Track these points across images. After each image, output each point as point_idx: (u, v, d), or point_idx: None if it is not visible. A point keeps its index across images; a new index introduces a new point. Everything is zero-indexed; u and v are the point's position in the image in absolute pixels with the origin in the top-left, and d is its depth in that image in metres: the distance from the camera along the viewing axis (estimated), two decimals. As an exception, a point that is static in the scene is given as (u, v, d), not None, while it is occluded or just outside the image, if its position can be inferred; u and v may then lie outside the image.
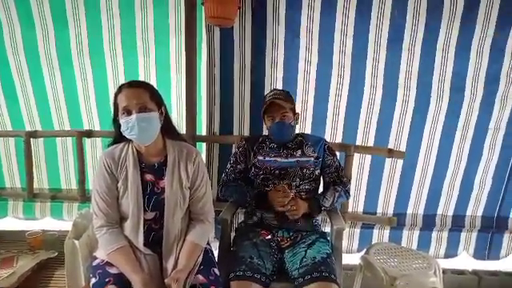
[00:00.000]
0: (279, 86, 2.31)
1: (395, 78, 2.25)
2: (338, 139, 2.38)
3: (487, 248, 2.53)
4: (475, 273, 2.51)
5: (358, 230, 2.54)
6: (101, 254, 1.50)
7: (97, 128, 2.50)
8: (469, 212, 2.47)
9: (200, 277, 1.44)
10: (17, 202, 2.72)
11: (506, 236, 2.51)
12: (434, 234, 2.52)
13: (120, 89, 1.49)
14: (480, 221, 2.49)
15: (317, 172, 1.91)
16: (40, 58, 2.37)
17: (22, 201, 2.71)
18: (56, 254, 1.89)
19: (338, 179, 1.95)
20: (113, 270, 1.41)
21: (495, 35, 2.13)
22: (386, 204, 2.49)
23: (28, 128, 2.55)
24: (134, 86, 1.49)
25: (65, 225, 2.60)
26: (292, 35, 2.23)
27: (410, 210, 2.49)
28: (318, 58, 2.25)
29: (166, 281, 1.34)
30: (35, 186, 2.60)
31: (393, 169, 2.41)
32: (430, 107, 2.29)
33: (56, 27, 2.30)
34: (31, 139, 2.50)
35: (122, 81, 2.35)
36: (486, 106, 2.27)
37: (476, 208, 2.47)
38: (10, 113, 2.54)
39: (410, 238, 2.53)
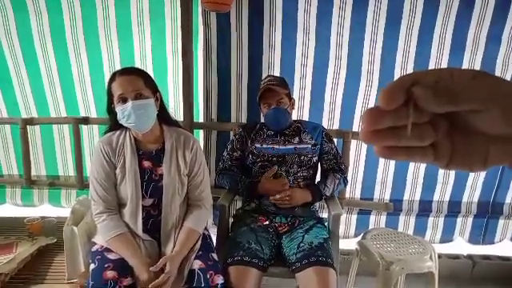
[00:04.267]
0: (277, 73, 2.30)
1: (392, 65, 2.24)
2: (336, 126, 2.38)
3: (482, 233, 2.56)
4: (470, 257, 2.55)
5: (355, 216, 2.57)
6: (99, 240, 1.51)
7: (93, 114, 2.49)
8: (465, 198, 2.49)
9: (198, 262, 1.46)
10: (15, 188, 2.72)
11: (501, 221, 2.54)
12: (431, 220, 2.54)
13: (113, 77, 1.47)
14: (476, 206, 2.51)
15: (314, 159, 1.91)
16: (34, 43, 2.33)
17: (19, 188, 2.71)
18: (55, 240, 1.90)
19: (337, 166, 1.95)
20: (112, 256, 1.43)
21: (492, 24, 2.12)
22: (382, 190, 2.50)
23: (24, 115, 2.53)
24: (128, 73, 1.48)
25: (63, 211, 2.61)
26: (289, 21, 2.20)
27: (406, 196, 2.50)
28: (316, 44, 2.23)
29: (151, 269, 1.36)
30: (33, 173, 2.59)
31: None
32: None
33: (50, 12, 2.26)
34: (28, 126, 2.49)
35: (118, 67, 2.33)
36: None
37: (472, 194, 2.49)
38: (6, 100, 2.52)
39: (407, 223, 2.55)
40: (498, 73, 2.22)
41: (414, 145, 0.33)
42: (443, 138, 0.34)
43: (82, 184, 2.53)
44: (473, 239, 2.57)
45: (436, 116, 0.33)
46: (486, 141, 0.33)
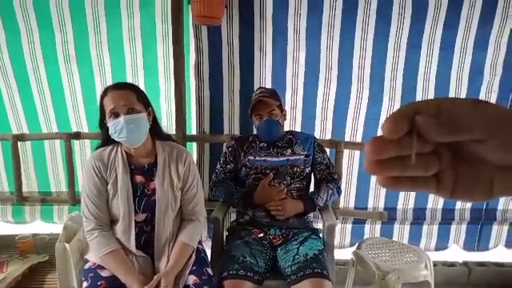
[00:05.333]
0: (268, 85, 2.31)
1: (381, 76, 2.27)
2: (328, 136, 2.39)
3: (476, 240, 2.57)
4: (465, 264, 2.55)
5: (349, 226, 2.56)
6: (92, 257, 1.49)
7: (85, 129, 2.47)
8: (458, 205, 2.50)
9: (193, 277, 1.45)
10: (5, 205, 2.68)
11: (495, 227, 2.55)
12: (425, 228, 2.55)
13: (106, 91, 1.47)
14: (469, 213, 2.52)
15: (307, 170, 1.91)
16: (25, 58, 2.33)
17: (11, 205, 2.67)
18: (47, 257, 1.87)
19: (330, 176, 1.96)
20: (104, 273, 1.41)
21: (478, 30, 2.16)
22: (376, 199, 2.51)
23: (15, 131, 2.51)
24: (120, 87, 1.48)
25: (56, 227, 2.58)
26: (279, 34, 2.23)
27: (400, 205, 2.51)
28: (306, 56, 2.26)
29: (145, 287, 1.34)
30: (24, 189, 2.56)
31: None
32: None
33: (41, 31, 2.26)
34: (19, 142, 2.47)
35: (109, 82, 2.32)
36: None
37: (465, 201, 2.49)
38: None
39: (401, 232, 2.55)
40: (485, 77, 2.26)
41: (418, 175, 0.33)
42: (446, 168, 0.34)
43: (74, 200, 2.50)
44: (467, 246, 2.58)
45: (439, 146, 0.33)
46: (490, 170, 0.33)
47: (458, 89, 2.27)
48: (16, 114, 2.48)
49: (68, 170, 2.46)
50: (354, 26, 2.18)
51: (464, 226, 2.55)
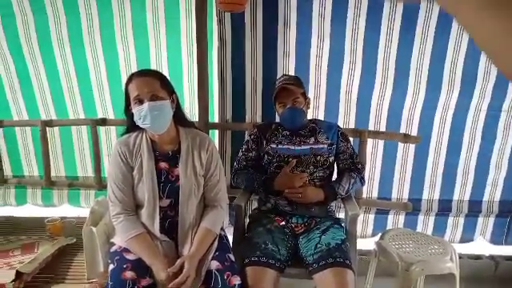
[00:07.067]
0: (291, 72, 2.28)
1: (407, 64, 2.20)
2: (351, 125, 2.35)
3: (505, 233, 2.49)
4: (492, 257, 2.49)
5: (372, 216, 2.53)
6: (118, 241, 1.53)
7: (111, 116, 2.52)
8: (486, 197, 2.43)
9: (216, 262, 1.46)
10: (35, 189, 2.78)
11: (524, 221, 2.47)
12: (450, 220, 2.49)
13: (130, 78, 1.49)
14: (498, 206, 2.44)
15: (331, 159, 1.89)
16: (53, 46, 2.38)
17: (40, 188, 2.77)
18: (74, 240, 1.93)
19: (353, 165, 1.93)
20: (130, 257, 1.44)
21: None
22: (400, 189, 2.46)
23: (43, 117, 2.58)
24: (145, 74, 1.50)
25: (83, 211, 2.66)
26: (304, 20, 2.19)
27: (425, 196, 2.46)
28: (330, 44, 2.21)
29: (169, 269, 1.36)
30: (52, 173, 2.65)
31: (406, 154, 2.38)
32: (442, 91, 2.23)
33: (68, 16, 2.30)
34: (47, 128, 2.54)
35: (134, 68, 2.35)
36: (499, 88, 2.20)
37: (493, 192, 2.42)
38: (26, 102, 2.58)
39: (426, 223, 2.50)
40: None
41: None
42: None
43: (100, 184, 2.57)
44: (495, 239, 2.51)
45: None
46: None
47: (486, 79, 2.19)
48: (44, 100, 2.54)
49: (94, 155, 2.52)
50: (381, 14, 2.11)
51: (492, 219, 2.47)
